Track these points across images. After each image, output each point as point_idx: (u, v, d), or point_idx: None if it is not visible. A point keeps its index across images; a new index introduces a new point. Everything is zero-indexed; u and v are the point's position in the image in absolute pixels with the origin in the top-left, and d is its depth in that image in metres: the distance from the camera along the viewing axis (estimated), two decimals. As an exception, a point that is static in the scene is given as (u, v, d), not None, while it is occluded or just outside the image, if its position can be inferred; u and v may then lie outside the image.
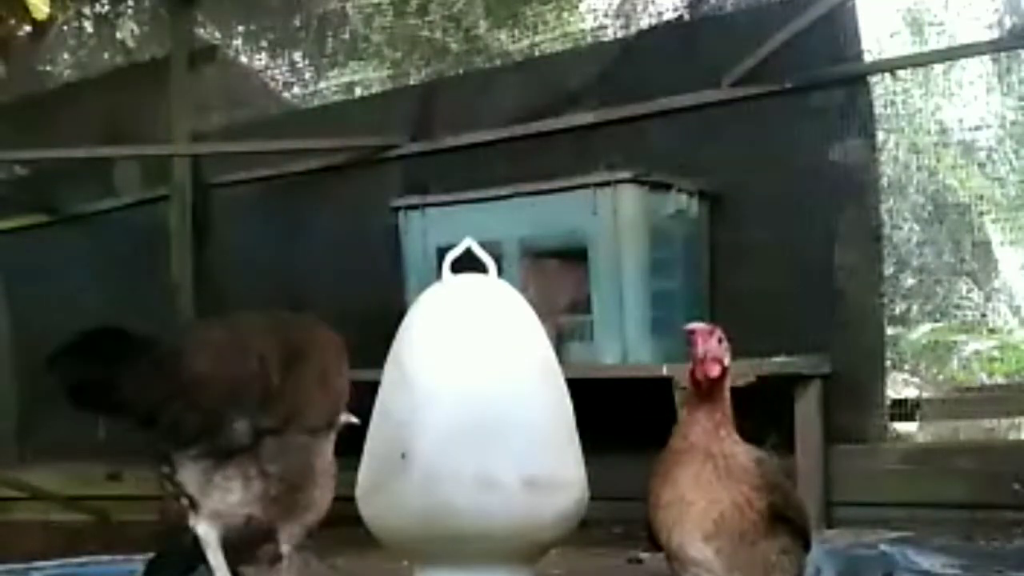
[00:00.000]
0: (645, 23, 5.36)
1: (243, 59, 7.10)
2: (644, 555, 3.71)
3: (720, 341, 2.44)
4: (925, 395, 4.87)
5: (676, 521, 2.32)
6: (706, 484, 2.33)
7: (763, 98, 4.77)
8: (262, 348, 2.70)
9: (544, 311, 2.80)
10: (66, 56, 7.65)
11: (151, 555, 3.23)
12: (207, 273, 6.34)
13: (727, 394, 2.45)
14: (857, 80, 4.69)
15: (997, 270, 4.95)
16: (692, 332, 2.43)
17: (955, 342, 5.15)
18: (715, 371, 2.39)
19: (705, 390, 2.40)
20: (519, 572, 2.50)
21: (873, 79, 4.72)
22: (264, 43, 6.96)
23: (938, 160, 4.92)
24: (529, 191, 4.65)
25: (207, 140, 6.46)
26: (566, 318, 4.56)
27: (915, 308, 5.07)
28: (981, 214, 4.77)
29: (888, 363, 4.70)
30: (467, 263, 2.95)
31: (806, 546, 2.51)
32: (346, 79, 6.58)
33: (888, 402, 4.63)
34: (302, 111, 6.57)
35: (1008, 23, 4.61)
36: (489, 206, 4.69)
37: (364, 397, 2.70)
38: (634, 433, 3.51)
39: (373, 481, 2.52)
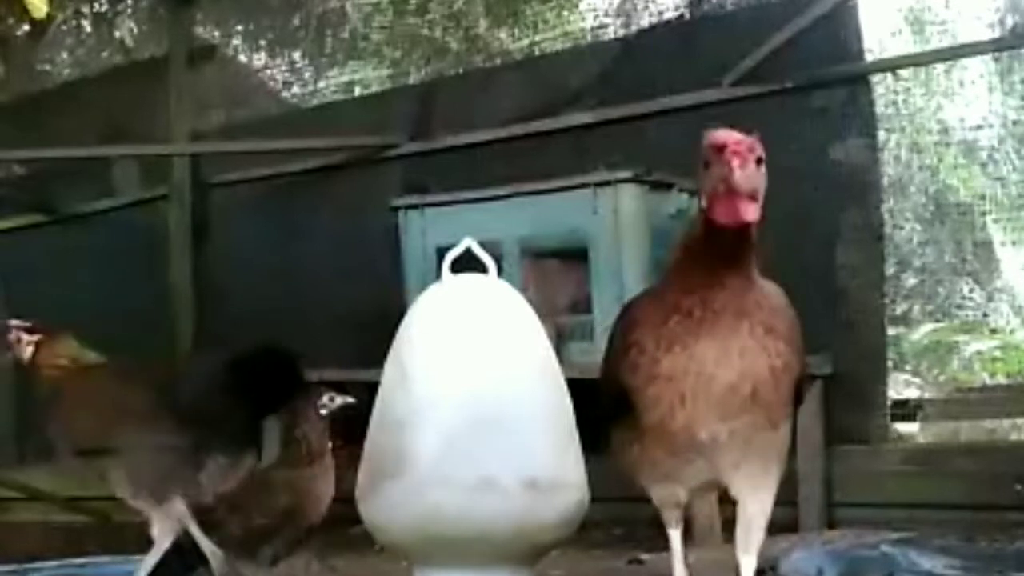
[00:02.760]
0: (645, 22, 5.36)
1: (242, 58, 7.10)
2: (645, 556, 3.70)
3: (759, 162, 1.80)
4: (926, 395, 4.87)
5: (689, 396, 1.91)
6: (737, 354, 1.88)
7: (764, 98, 4.77)
8: None
9: (544, 311, 2.79)
10: (65, 55, 7.65)
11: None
12: (206, 272, 6.33)
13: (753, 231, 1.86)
14: (858, 79, 4.68)
15: (999, 270, 4.94)
16: (721, 147, 1.78)
17: (957, 342, 5.14)
18: (751, 213, 1.78)
19: (732, 238, 1.82)
20: (519, 573, 2.49)
21: (874, 78, 4.72)
22: (263, 42, 6.95)
23: (939, 160, 4.91)
24: (529, 191, 4.64)
25: (206, 139, 6.45)
26: (566, 318, 4.55)
27: (917, 308, 5.07)
28: (983, 214, 4.77)
29: (889, 363, 4.70)
30: (467, 263, 2.94)
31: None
32: (345, 78, 6.57)
33: (889, 402, 4.62)
34: (301, 110, 6.56)
35: (1009, 22, 4.61)
36: (489, 206, 4.68)
37: (364, 397, 2.70)
38: (635, 433, 3.50)
39: (373, 482, 2.51)
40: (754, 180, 1.77)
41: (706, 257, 1.88)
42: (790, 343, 1.94)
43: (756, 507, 2.06)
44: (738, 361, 1.88)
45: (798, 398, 2.05)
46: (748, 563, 2.09)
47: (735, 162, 1.76)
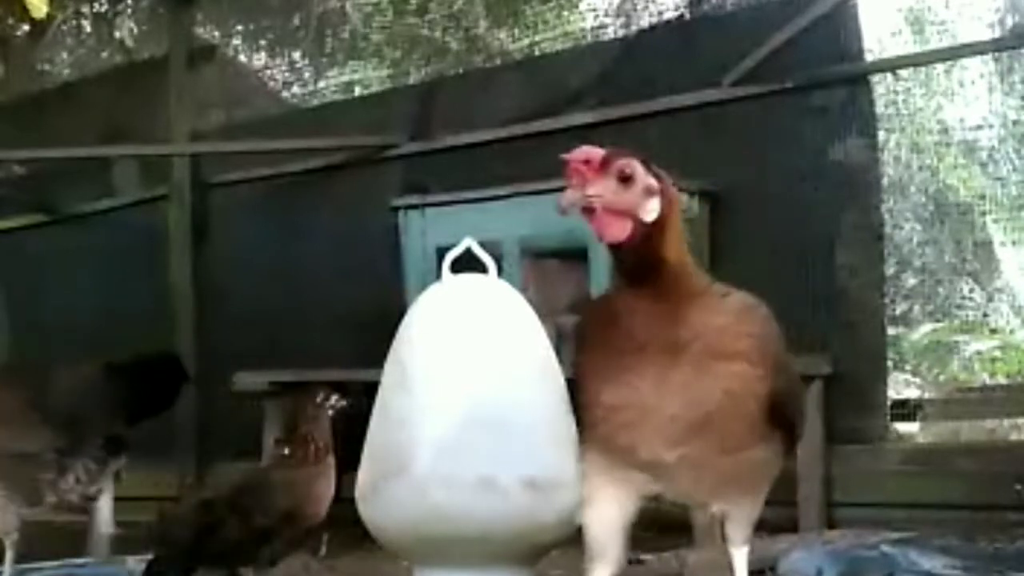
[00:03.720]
0: (645, 22, 5.36)
1: (242, 58, 7.09)
2: (645, 556, 3.70)
3: (625, 179, 1.75)
4: (926, 395, 4.87)
5: (632, 425, 1.84)
6: (679, 386, 1.78)
7: (764, 98, 4.76)
8: None
9: (544, 311, 2.78)
10: (65, 55, 7.65)
11: (150, 556, 3.22)
12: (206, 272, 6.33)
13: (675, 237, 1.78)
14: (858, 79, 4.68)
15: (999, 270, 4.93)
16: (567, 164, 1.74)
17: (956, 342, 5.14)
18: (612, 232, 1.75)
19: (633, 260, 1.77)
20: (519, 573, 2.49)
21: (874, 78, 4.71)
22: (263, 42, 6.95)
23: (939, 160, 4.91)
24: (529, 191, 4.63)
25: (206, 139, 6.45)
26: (566, 318, 4.55)
27: (916, 308, 5.07)
28: (983, 214, 4.76)
29: (889, 363, 4.70)
30: (467, 263, 2.94)
31: (790, 450, 2.04)
32: (345, 78, 6.57)
33: (889, 402, 4.62)
34: (301, 110, 6.56)
35: (1009, 22, 4.60)
36: (489, 206, 4.67)
37: (364, 397, 2.70)
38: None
39: (373, 482, 2.51)
40: (609, 198, 1.73)
41: (625, 282, 1.85)
42: (753, 361, 1.82)
43: (740, 513, 2.00)
44: (681, 392, 1.80)
45: (784, 411, 1.92)
46: (739, 556, 2.05)
47: (572, 180, 1.75)
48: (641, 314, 1.79)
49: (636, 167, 1.77)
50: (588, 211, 1.77)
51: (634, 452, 1.86)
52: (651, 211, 1.78)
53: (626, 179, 1.76)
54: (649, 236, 1.78)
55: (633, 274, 1.80)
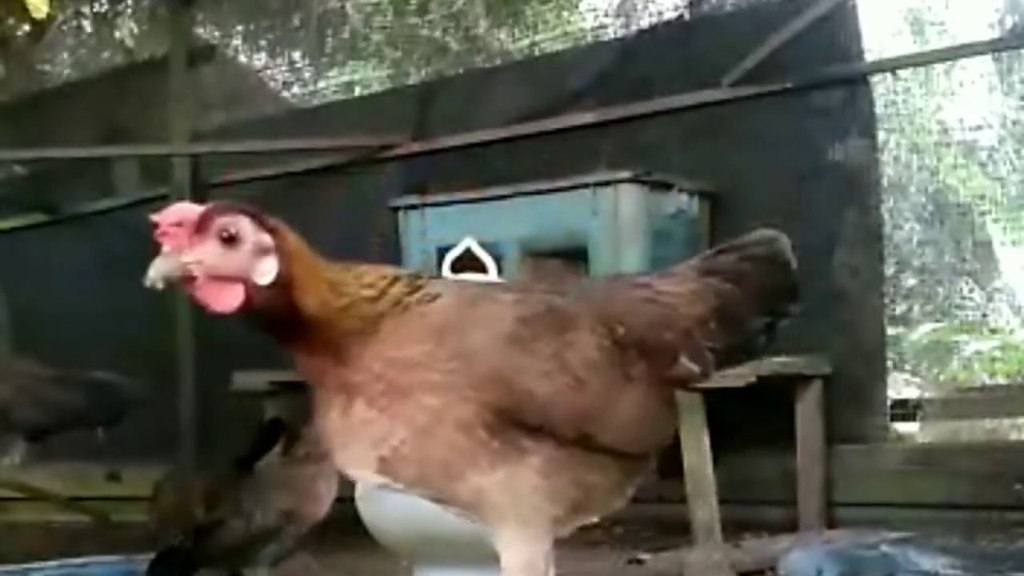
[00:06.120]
0: (645, 23, 5.36)
1: (242, 59, 7.09)
2: (645, 556, 3.71)
3: (230, 240, 1.55)
4: (926, 395, 4.87)
5: (339, 451, 1.69)
6: (360, 424, 1.63)
7: (763, 98, 4.77)
8: None
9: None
10: (65, 55, 7.64)
11: (152, 555, 3.23)
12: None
13: (312, 286, 1.60)
14: (858, 80, 4.68)
15: (998, 270, 4.94)
16: (156, 227, 1.53)
17: (956, 342, 5.14)
18: (227, 302, 1.55)
19: (266, 325, 1.59)
20: (519, 573, 2.49)
21: (874, 79, 4.71)
22: (263, 43, 6.95)
23: (939, 160, 4.91)
24: (529, 191, 4.63)
25: (206, 140, 6.45)
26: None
27: (916, 308, 5.07)
28: (982, 214, 4.77)
29: (889, 363, 4.70)
30: (467, 263, 2.94)
31: (633, 467, 1.77)
32: (345, 79, 6.57)
33: (889, 402, 4.62)
34: (301, 111, 6.56)
35: (1009, 22, 4.61)
36: (489, 206, 4.67)
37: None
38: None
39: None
40: (210, 262, 1.53)
41: (275, 341, 1.66)
42: (454, 385, 1.60)
43: (504, 558, 1.76)
44: (364, 430, 1.63)
45: (531, 420, 1.65)
46: None
47: (166, 246, 1.54)
48: (309, 361, 1.65)
49: (242, 224, 1.58)
50: (188, 280, 1.56)
51: (349, 473, 1.73)
52: (266, 273, 1.59)
53: (231, 240, 1.56)
54: (276, 297, 1.58)
55: (276, 335, 1.63)
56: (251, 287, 1.57)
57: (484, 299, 1.71)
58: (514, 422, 1.63)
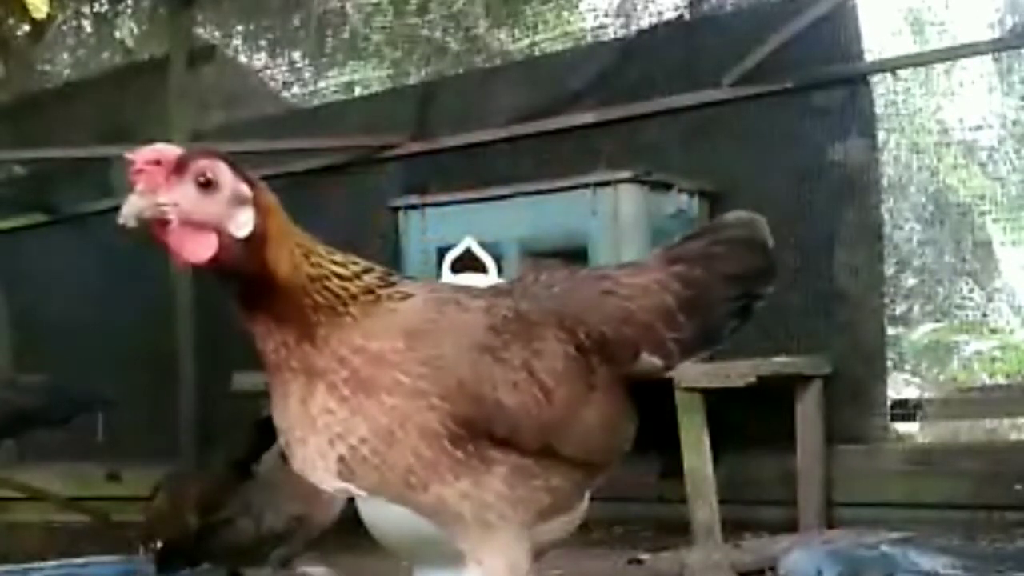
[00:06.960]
0: (645, 23, 5.36)
1: (242, 59, 7.09)
2: (645, 556, 3.70)
3: (207, 184, 1.46)
4: (926, 395, 4.87)
5: (296, 447, 1.60)
6: (320, 413, 1.54)
7: (763, 98, 4.77)
8: None
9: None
10: (65, 55, 7.64)
11: (158, 545, 3.23)
12: (206, 272, 6.32)
13: (285, 250, 1.52)
14: (858, 80, 4.68)
15: (998, 270, 4.94)
16: (129, 165, 1.48)
17: (956, 342, 5.14)
18: (198, 251, 1.46)
19: (232, 283, 1.51)
20: (519, 573, 2.49)
21: (874, 79, 4.72)
22: (263, 42, 6.95)
23: (939, 160, 4.91)
24: (529, 191, 4.64)
25: (206, 140, 6.44)
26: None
27: (916, 308, 5.07)
28: (982, 214, 4.77)
29: (889, 363, 4.70)
30: (467, 263, 2.94)
31: (595, 470, 1.75)
32: (345, 79, 6.57)
33: (889, 402, 4.62)
34: (301, 110, 6.56)
35: (1009, 22, 4.61)
36: (489, 206, 4.68)
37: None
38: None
39: (373, 482, 2.51)
40: (185, 206, 1.44)
41: (237, 306, 1.58)
42: (420, 391, 1.54)
43: (485, 564, 1.70)
44: (322, 424, 1.55)
45: (498, 434, 1.61)
46: None
47: (139, 185, 1.47)
48: (269, 337, 1.55)
49: (221, 170, 1.49)
50: (160, 224, 1.48)
51: (307, 476, 1.63)
52: (242, 224, 1.50)
53: (208, 184, 1.48)
54: (248, 254, 1.50)
55: (243, 298, 1.54)
56: (225, 237, 1.49)
57: (454, 305, 1.65)
58: (481, 433, 1.58)
